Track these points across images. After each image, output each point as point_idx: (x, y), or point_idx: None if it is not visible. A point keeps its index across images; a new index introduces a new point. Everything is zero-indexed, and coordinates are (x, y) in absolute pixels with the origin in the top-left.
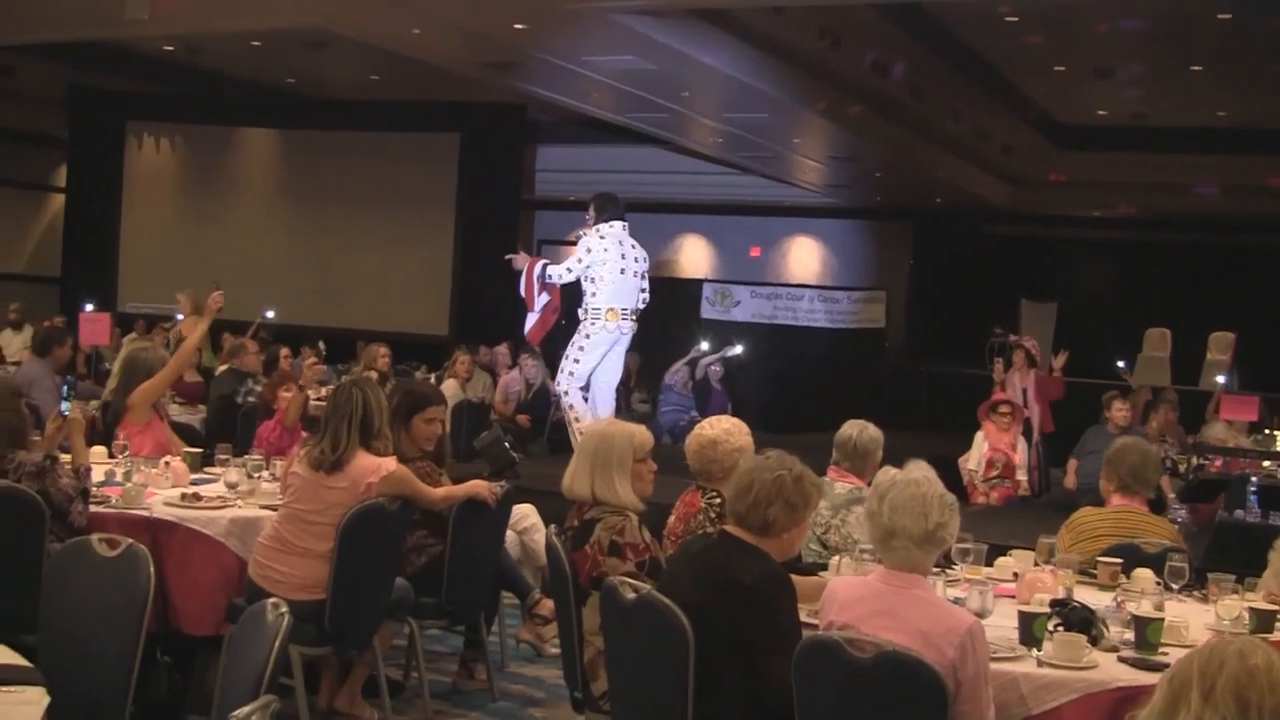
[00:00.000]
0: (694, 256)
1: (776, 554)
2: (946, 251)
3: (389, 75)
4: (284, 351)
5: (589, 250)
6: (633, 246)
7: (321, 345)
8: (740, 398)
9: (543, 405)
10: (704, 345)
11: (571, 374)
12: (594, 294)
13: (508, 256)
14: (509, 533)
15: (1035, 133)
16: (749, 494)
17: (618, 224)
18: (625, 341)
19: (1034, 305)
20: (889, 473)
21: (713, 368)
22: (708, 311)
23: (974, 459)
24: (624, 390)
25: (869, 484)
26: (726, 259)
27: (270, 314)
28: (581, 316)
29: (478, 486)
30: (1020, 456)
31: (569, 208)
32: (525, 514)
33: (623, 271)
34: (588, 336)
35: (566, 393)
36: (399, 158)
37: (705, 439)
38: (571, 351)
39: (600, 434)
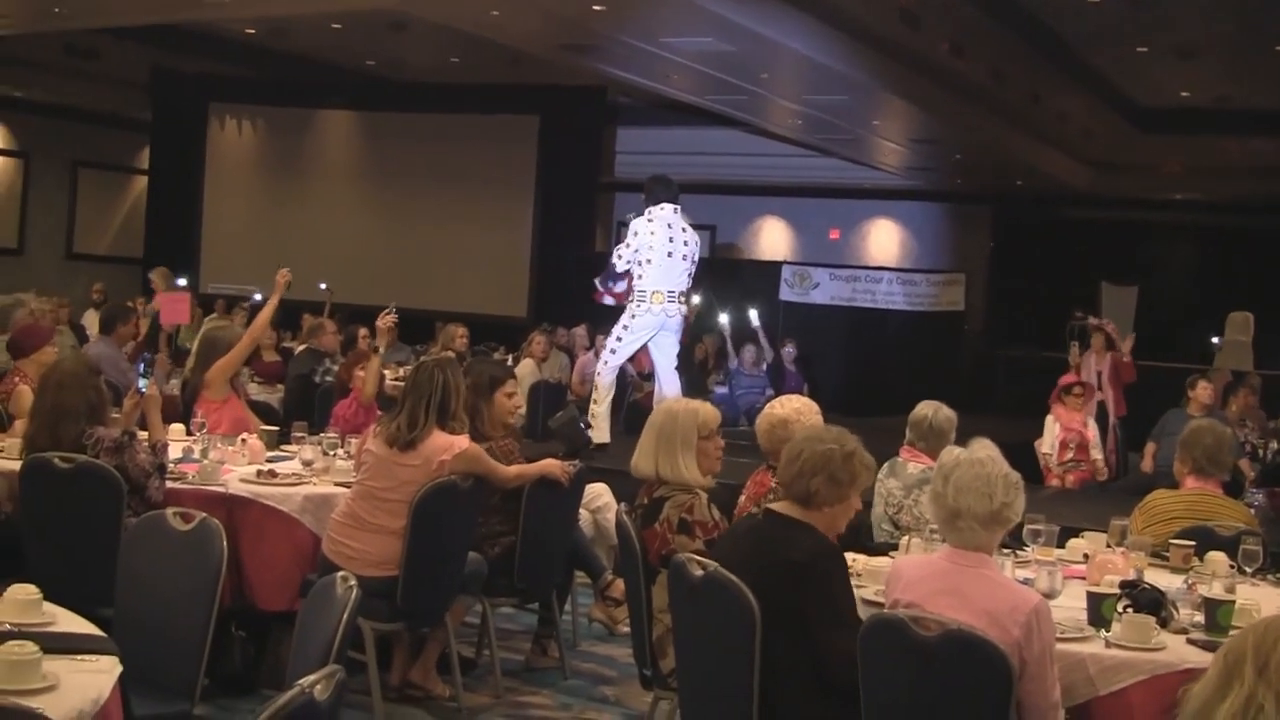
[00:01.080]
0: (773, 239)
1: (821, 528)
2: (1026, 235)
3: (468, 57)
4: (362, 332)
5: (635, 234)
6: (683, 230)
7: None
8: (816, 379)
9: (620, 386)
10: (723, 318)
11: (613, 352)
12: (640, 276)
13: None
14: (583, 512)
15: (1116, 115)
16: (796, 462)
17: (669, 206)
18: (675, 324)
19: (1114, 289)
20: (953, 452)
21: (787, 349)
22: (786, 294)
23: (1047, 442)
24: (701, 372)
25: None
26: (806, 241)
27: (324, 286)
28: (628, 299)
29: (551, 465)
30: (1094, 435)
31: None
32: (599, 493)
33: (670, 255)
34: (633, 317)
35: (599, 372)
36: (478, 140)
37: (776, 418)
38: (615, 331)
39: (665, 411)
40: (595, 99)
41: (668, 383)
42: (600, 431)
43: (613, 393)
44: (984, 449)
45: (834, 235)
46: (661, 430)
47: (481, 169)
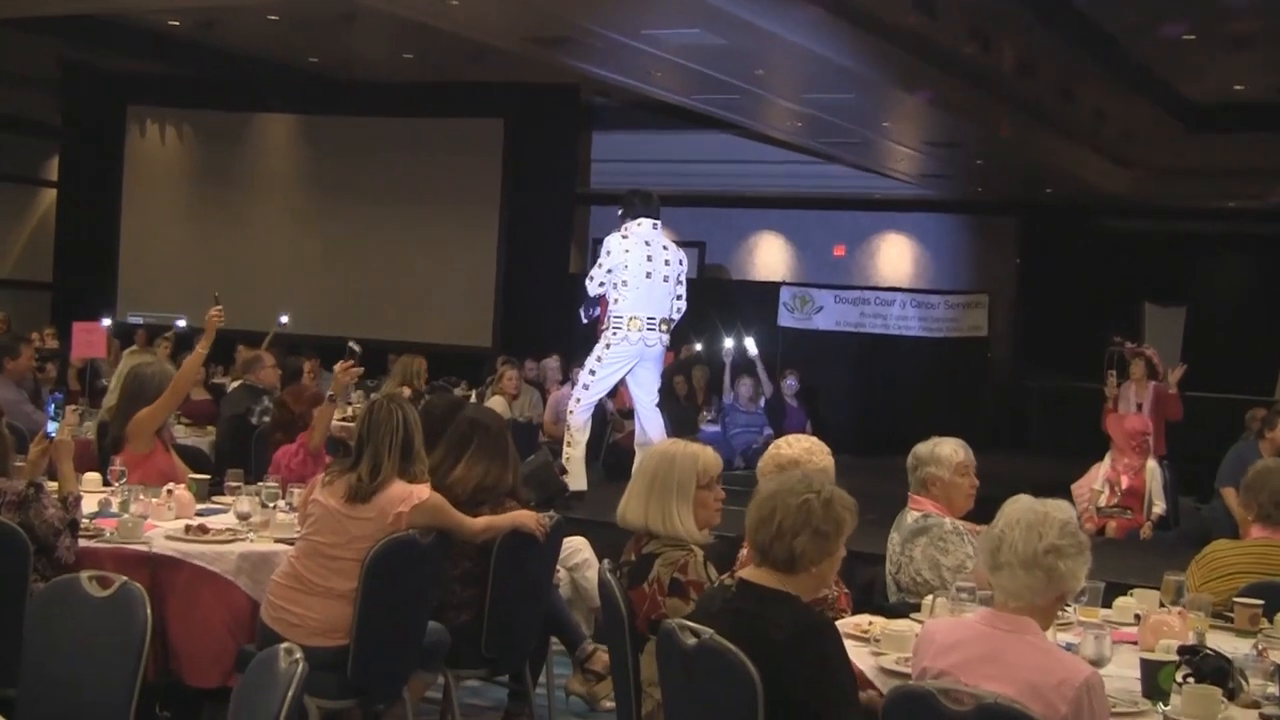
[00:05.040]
0: (770, 257)
1: (805, 592)
2: (1058, 249)
3: (424, 53)
4: (308, 365)
5: (608, 253)
6: (664, 248)
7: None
8: (821, 416)
9: (598, 425)
10: (728, 343)
11: (586, 387)
12: (616, 300)
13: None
14: (559, 570)
15: (1160, 112)
16: (771, 523)
17: (647, 222)
18: (655, 354)
19: (1159, 310)
20: (1023, 497)
21: (788, 381)
22: (785, 319)
23: (1099, 479)
24: (691, 409)
25: (948, 510)
26: (807, 259)
27: (285, 319)
28: (602, 325)
29: (523, 517)
30: (1144, 480)
31: None
32: (577, 548)
33: (649, 275)
34: (607, 347)
35: (572, 411)
36: (435, 146)
37: (784, 459)
38: (588, 364)
39: (661, 455)
40: (568, 100)
41: (649, 421)
42: (575, 478)
43: (588, 433)
44: (1060, 505)
45: (839, 252)
46: (655, 476)
47: (440, 180)
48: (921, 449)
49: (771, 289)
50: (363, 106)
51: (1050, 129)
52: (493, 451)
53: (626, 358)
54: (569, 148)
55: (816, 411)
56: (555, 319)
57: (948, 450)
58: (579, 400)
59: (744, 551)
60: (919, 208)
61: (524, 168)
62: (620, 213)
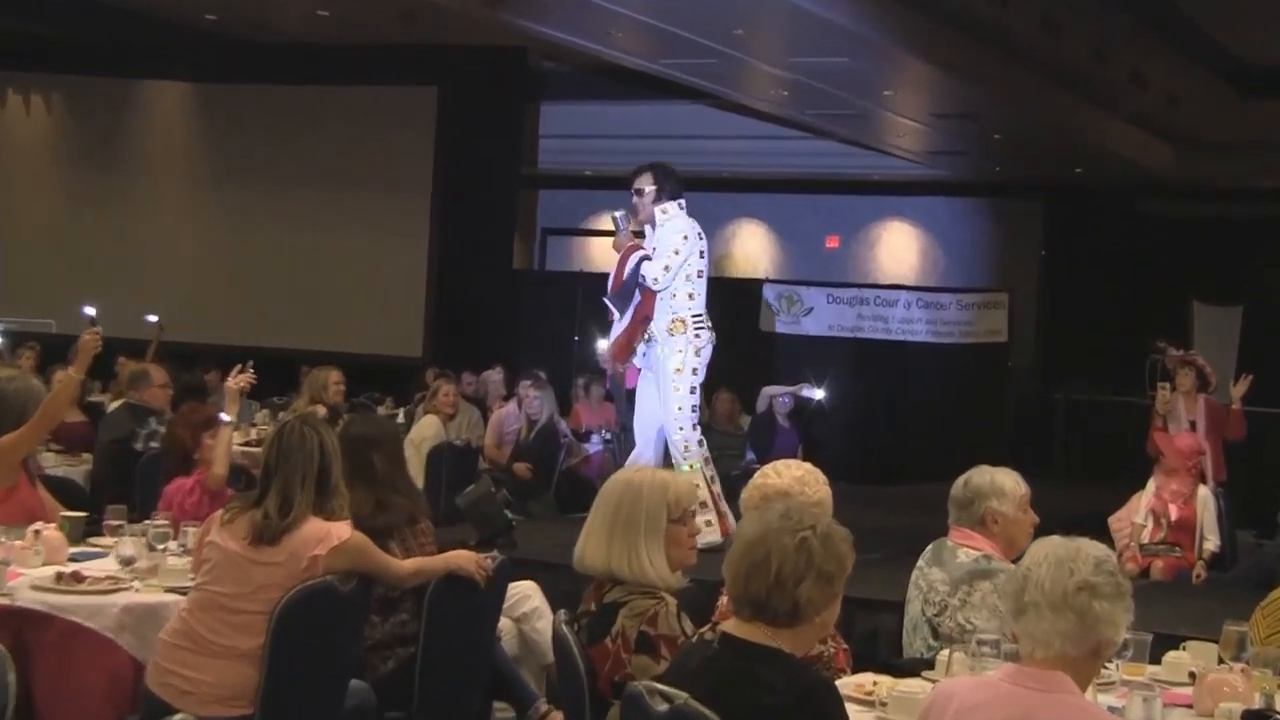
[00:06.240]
0: (751, 248)
1: (802, 647)
2: (1091, 239)
3: (343, 9)
4: (210, 376)
5: (685, 238)
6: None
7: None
8: (814, 437)
9: (549, 449)
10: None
11: (694, 411)
12: (691, 295)
13: (615, 228)
14: (504, 621)
15: (1211, 76)
16: (767, 570)
17: (681, 205)
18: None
19: (1210, 310)
20: (1053, 537)
21: (780, 399)
22: (769, 322)
23: (1140, 511)
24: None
25: (1005, 552)
26: (794, 252)
27: (154, 319)
28: (671, 329)
29: (461, 558)
30: (1196, 511)
31: (584, 185)
32: (526, 595)
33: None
34: (697, 354)
35: (687, 449)
36: (356, 120)
37: (772, 490)
38: (681, 384)
39: (624, 484)
40: (512, 65)
41: (650, 445)
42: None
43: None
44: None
45: (832, 244)
46: (619, 509)
47: (362, 159)
48: (979, 479)
49: (753, 287)
50: (269, 73)
51: (1081, 96)
52: (391, 470)
53: (705, 362)
54: (513, 122)
55: (809, 431)
56: (499, 324)
57: (1010, 482)
58: (689, 441)
59: (724, 599)
60: (926, 191)
61: (461, 145)
62: (647, 189)
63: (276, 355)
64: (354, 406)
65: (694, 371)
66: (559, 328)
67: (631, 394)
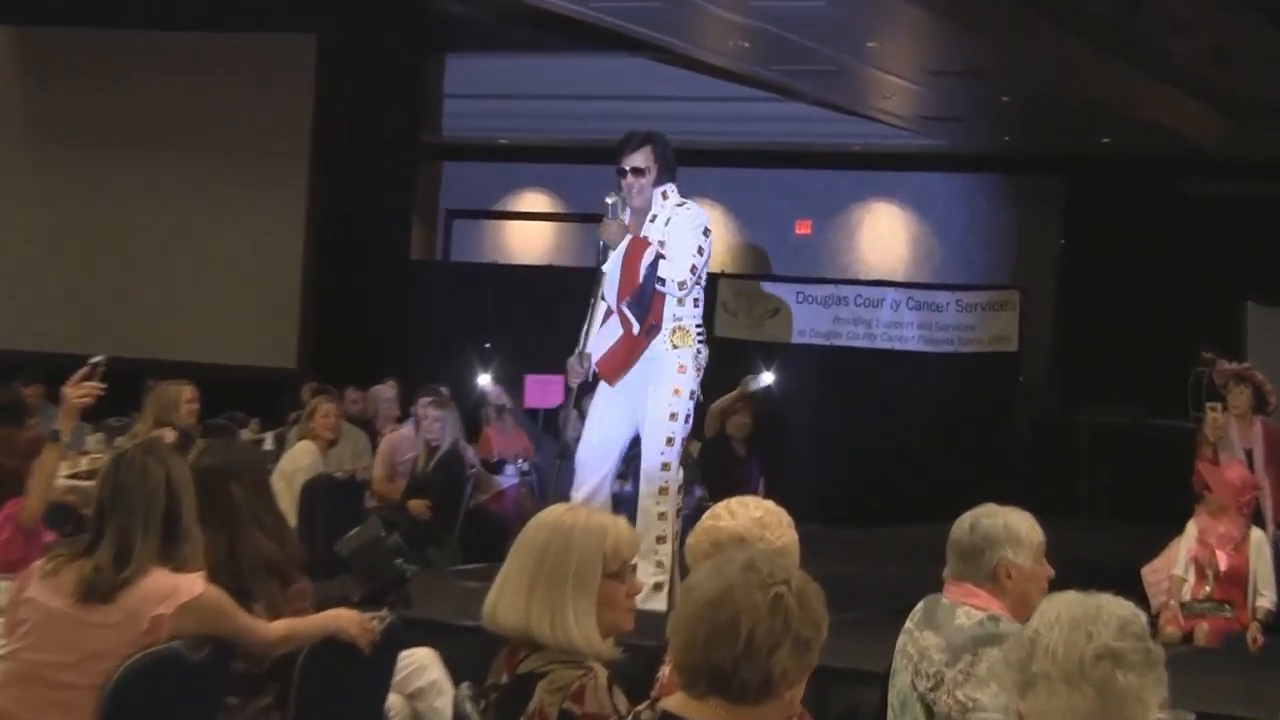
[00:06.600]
0: None
1: None
2: (1121, 225)
3: None
4: (30, 390)
5: (707, 232)
6: None
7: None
8: (779, 470)
9: (452, 482)
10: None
11: (683, 445)
12: (696, 300)
13: (608, 214)
14: (393, 697)
15: (1268, 24)
16: (735, 636)
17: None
18: None
19: (1267, 312)
20: (1068, 593)
21: (733, 416)
22: (726, 325)
23: (1180, 561)
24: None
25: (1016, 612)
26: (756, 240)
27: None
28: (675, 340)
29: (342, 619)
30: (1248, 561)
31: (499, 157)
32: (421, 665)
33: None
34: (699, 372)
35: (665, 490)
36: (216, 75)
37: (724, 536)
38: (679, 409)
39: (550, 528)
40: (411, 7)
41: (596, 477)
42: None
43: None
44: (1124, 604)
45: (802, 230)
46: (543, 557)
47: (222, 123)
48: (989, 522)
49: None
50: (106, 15)
51: (1109, 51)
52: (256, 507)
53: None
54: (412, 78)
55: (772, 463)
56: (392, 328)
57: (1025, 527)
58: (671, 485)
59: (665, 669)
60: (919, 165)
61: (346, 106)
62: (654, 168)
63: (113, 366)
64: (210, 430)
65: (691, 395)
66: (467, 333)
67: (536, 415)
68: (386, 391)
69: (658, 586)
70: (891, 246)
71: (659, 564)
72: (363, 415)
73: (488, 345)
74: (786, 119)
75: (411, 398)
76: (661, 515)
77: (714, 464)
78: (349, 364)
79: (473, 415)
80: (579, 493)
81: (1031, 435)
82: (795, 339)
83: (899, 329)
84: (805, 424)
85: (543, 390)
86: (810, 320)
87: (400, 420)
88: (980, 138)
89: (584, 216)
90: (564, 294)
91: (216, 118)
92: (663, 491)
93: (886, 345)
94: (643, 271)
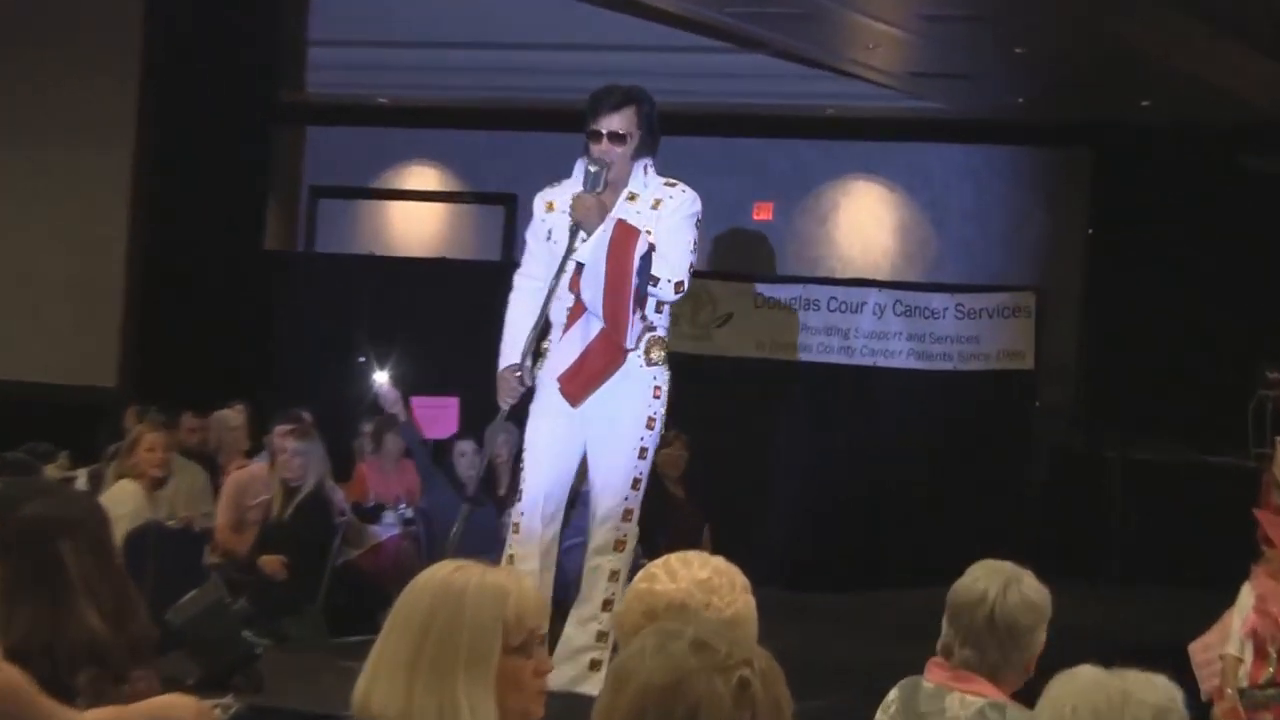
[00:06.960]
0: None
1: None
2: (1164, 209)
3: None
4: None
5: (699, 222)
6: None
7: None
8: (729, 517)
9: (316, 533)
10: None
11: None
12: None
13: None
14: None
15: None
16: None
17: None
18: None
19: None
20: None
21: (664, 449)
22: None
23: (1234, 639)
24: (495, 505)
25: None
26: (704, 226)
27: None
28: (650, 354)
29: (175, 707)
30: None
31: (378, 120)
32: None
33: None
34: (665, 395)
35: (619, 547)
36: (13, 18)
37: (661, 603)
38: (649, 443)
39: (438, 590)
40: None
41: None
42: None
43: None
44: (1157, 684)
45: (762, 214)
46: (427, 629)
47: (25, 79)
48: (1015, 598)
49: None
50: None
51: None
52: (93, 572)
53: None
54: (266, 20)
55: (718, 507)
56: (239, 338)
57: (1043, 596)
58: (630, 537)
59: None
60: (910, 134)
61: (182, 58)
62: (637, 133)
63: None
64: (8, 466)
65: (657, 417)
66: (335, 342)
67: (428, 445)
68: (233, 418)
69: (594, 665)
70: (875, 236)
71: (599, 634)
72: (202, 448)
73: (362, 359)
74: (743, 74)
75: (265, 426)
76: (613, 575)
77: (645, 510)
78: (185, 383)
79: (343, 446)
80: (527, 563)
81: (1049, 473)
82: (752, 353)
83: (884, 340)
84: (764, 461)
85: (433, 417)
86: (771, 328)
87: (250, 454)
88: (987, 100)
89: (482, 196)
90: (459, 294)
91: (16, 72)
92: (618, 546)
93: (868, 361)
94: (636, 264)
